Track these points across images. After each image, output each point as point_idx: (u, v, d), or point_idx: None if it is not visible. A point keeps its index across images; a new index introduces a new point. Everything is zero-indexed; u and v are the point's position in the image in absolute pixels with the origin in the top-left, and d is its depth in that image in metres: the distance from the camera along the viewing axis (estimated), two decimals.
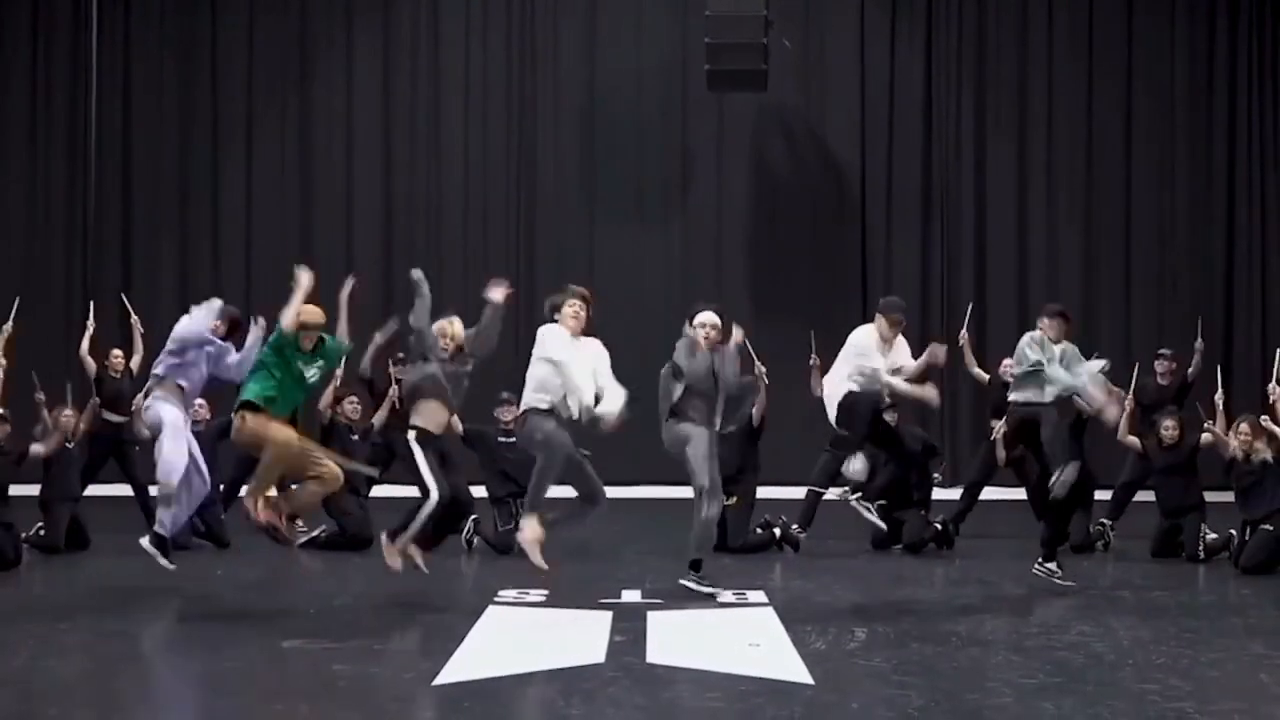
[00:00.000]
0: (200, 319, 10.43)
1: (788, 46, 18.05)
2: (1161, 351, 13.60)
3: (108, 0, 19.02)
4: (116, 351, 14.09)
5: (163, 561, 9.95)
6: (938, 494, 13.23)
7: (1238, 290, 19.17)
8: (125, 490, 13.81)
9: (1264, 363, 18.95)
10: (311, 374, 9.75)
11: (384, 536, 9.91)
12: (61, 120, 19.39)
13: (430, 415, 9.90)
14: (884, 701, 7.01)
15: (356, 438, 12.94)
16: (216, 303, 10.69)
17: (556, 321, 9.84)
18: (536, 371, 9.76)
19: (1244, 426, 11.87)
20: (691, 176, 19.52)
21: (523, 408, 9.85)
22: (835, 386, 10.66)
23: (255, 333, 10.37)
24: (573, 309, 9.88)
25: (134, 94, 19.42)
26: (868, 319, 19.06)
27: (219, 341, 10.46)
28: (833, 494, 11.79)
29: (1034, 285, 19.26)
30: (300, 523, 10.61)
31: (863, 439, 10.59)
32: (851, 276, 19.26)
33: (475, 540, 12.40)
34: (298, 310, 9.53)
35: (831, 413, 10.66)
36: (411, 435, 9.84)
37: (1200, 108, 19.25)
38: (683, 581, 9.97)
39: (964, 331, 14.24)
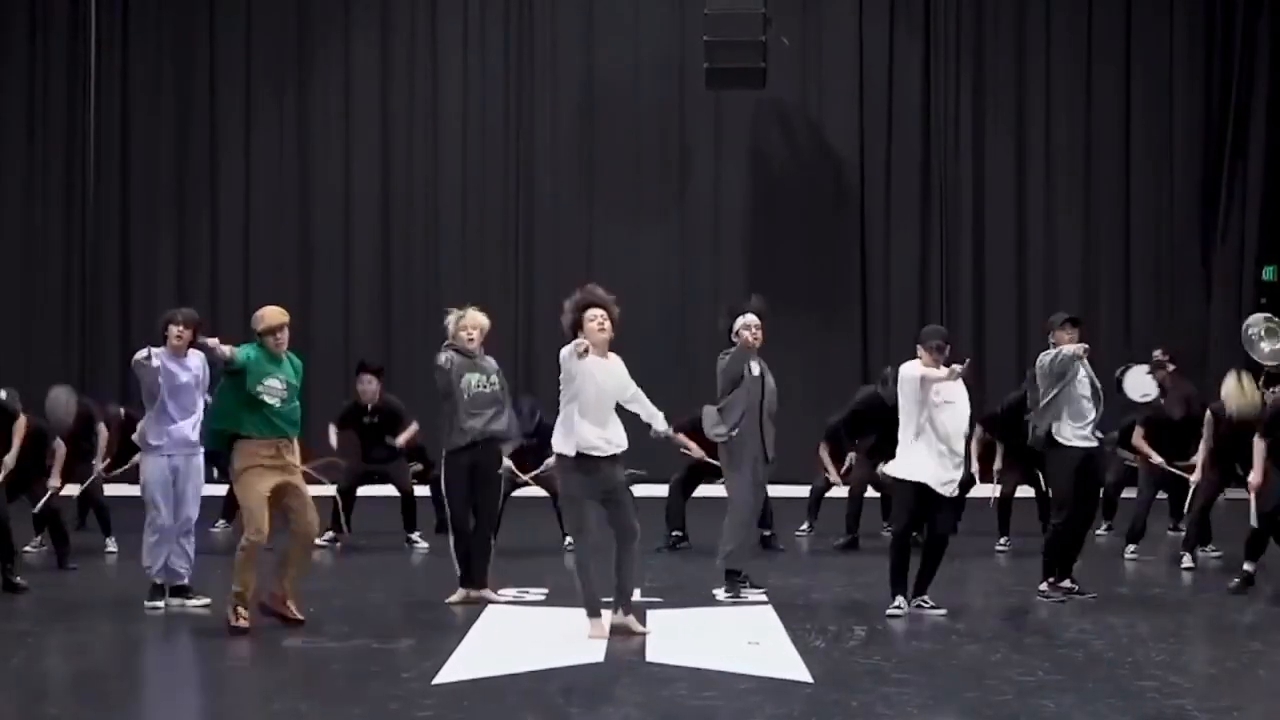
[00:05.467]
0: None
1: (786, 44, 18.03)
2: (1157, 357, 13.56)
3: None
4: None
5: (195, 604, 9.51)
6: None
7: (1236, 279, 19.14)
8: (125, 491, 13.83)
9: None
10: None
11: (461, 591, 9.57)
12: (60, 119, 19.34)
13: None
14: (883, 699, 7.01)
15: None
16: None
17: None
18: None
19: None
20: (690, 174, 19.49)
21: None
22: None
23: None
24: (596, 321, 8.79)
25: (132, 93, 19.37)
26: (866, 314, 19.35)
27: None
28: None
29: (1033, 277, 19.23)
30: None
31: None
32: (851, 270, 19.24)
33: None
34: None
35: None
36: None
37: (1198, 99, 19.18)
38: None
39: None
